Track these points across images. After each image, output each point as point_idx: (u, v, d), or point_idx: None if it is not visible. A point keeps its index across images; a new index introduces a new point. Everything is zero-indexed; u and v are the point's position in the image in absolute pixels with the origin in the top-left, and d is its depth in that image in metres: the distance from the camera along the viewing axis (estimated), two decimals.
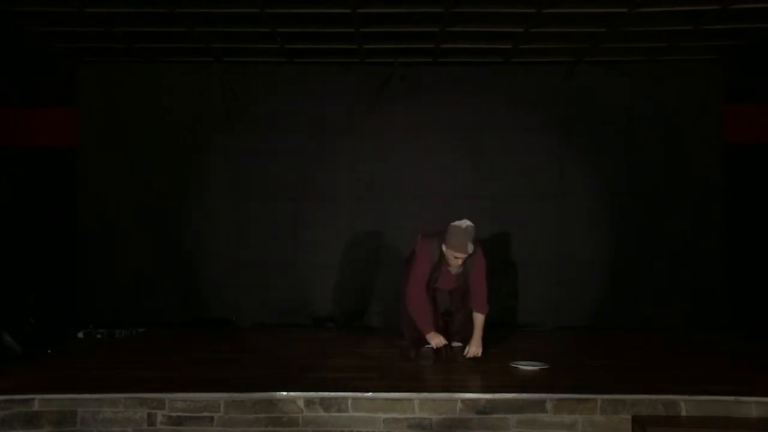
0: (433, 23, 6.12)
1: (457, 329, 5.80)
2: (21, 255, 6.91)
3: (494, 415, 4.48)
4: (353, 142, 7.22)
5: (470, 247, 5.37)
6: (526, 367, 5.29)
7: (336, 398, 4.51)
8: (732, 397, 4.47)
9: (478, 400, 4.51)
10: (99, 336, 6.61)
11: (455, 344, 5.70)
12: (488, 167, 7.18)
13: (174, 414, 4.48)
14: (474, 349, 5.54)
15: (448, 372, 5.24)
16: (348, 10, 5.82)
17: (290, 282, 7.21)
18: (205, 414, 4.48)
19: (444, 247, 5.46)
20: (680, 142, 7.14)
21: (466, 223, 5.39)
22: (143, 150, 7.21)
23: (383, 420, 4.49)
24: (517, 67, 7.19)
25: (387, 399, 4.52)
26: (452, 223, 5.42)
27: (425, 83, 7.21)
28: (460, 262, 5.48)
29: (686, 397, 4.47)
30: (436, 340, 5.53)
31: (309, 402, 4.51)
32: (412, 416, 4.49)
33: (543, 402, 4.49)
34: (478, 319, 5.60)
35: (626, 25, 6.14)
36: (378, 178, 7.23)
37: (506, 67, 7.20)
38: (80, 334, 6.59)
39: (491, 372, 5.22)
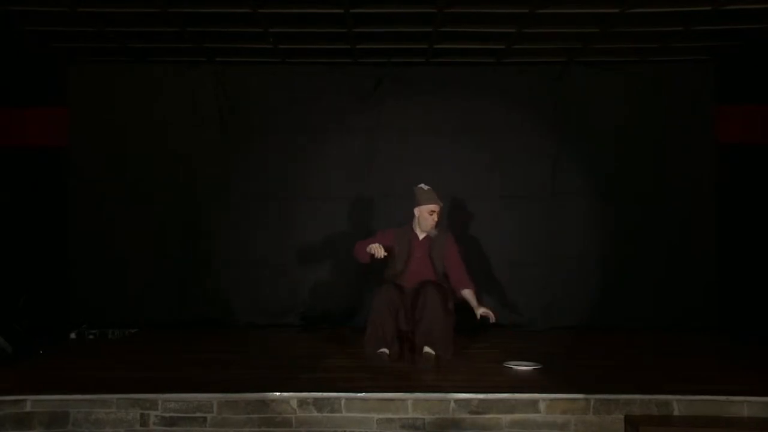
0: (426, 23, 6.12)
1: (423, 336, 5.41)
2: (13, 255, 6.88)
3: (487, 415, 4.49)
4: (346, 142, 7.22)
5: (440, 201, 5.68)
6: (519, 367, 5.30)
7: (329, 398, 4.51)
8: (724, 397, 4.48)
9: (470, 400, 4.51)
10: (91, 336, 6.61)
11: (426, 350, 5.44)
12: (481, 167, 7.19)
13: (167, 414, 4.47)
14: (484, 311, 5.47)
15: (441, 372, 5.24)
16: (341, 10, 5.82)
17: (283, 282, 7.21)
18: (198, 414, 4.47)
19: (417, 211, 5.71)
20: (672, 143, 7.16)
21: (426, 185, 5.72)
22: (135, 150, 7.19)
23: (376, 420, 4.49)
24: (510, 68, 7.20)
25: (380, 399, 4.52)
26: (415, 187, 5.74)
27: (418, 83, 7.22)
28: (436, 217, 5.66)
29: (678, 396, 4.49)
30: (375, 248, 5.42)
31: (302, 402, 4.50)
32: (405, 416, 4.49)
33: (536, 402, 4.50)
34: (469, 294, 5.61)
35: (619, 26, 6.15)
36: (371, 178, 7.23)
37: (499, 68, 7.21)
38: (73, 335, 6.58)
39: (484, 372, 5.22)
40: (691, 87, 7.15)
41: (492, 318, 5.50)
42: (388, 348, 5.41)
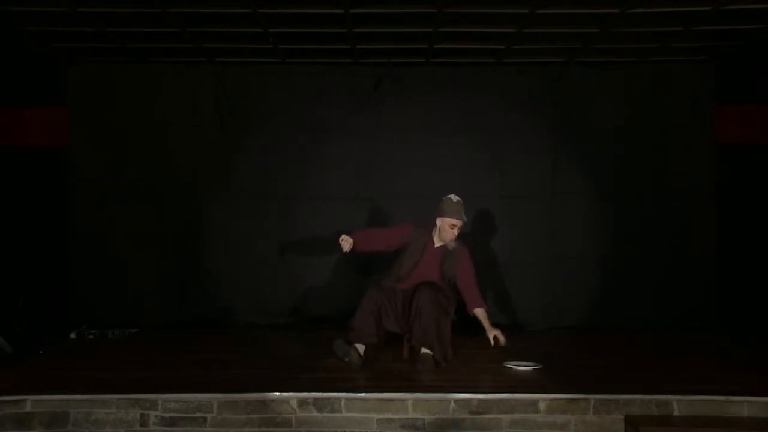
0: (426, 23, 6.12)
1: (419, 337, 5.38)
2: (13, 255, 6.88)
3: (487, 415, 4.49)
4: (346, 142, 7.22)
5: (464, 216, 5.57)
6: (519, 367, 5.30)
7: (329, 398, 4.52)
8: (724, 397, 4.49)
9: (470, 400, 4.52)
10: (91, 336, 6.61)
11: (424, 351, 5.38)
12: (481, 167, 7.19)
13: (167, 415, 4.48)
14: (495, 333, 5.49)
15: (441, 372, 5.24)
16: (341, 10, 5.81)
17: (283, 282, 7.21)
18: (198, 414, 4.48)
19: (439, 221, 5.61)
20: (672, 143, 7.15)
21: (456, 197, 5.60)
22: (135, 150, 7.18)
23: (376, 420, 4.49)
24: (510, 68, 7.20)
25: (380, 399, 4.52)
26: (444, 197, 5.62)
27: (418, 83, 7.21)
28: (456, 231, 5.59)
29: (678, 396, 4.50)
30: (343, 240, 5.53)
31: (302, 402, 4.51)
32: (405, 416, 4.49)
33: (536, 402, 4.51)
34: (481, 314, 5.60)
35: (618, 26, 6.15)
36: (371, 178, 7.23)
37: (499, 68, 7.20)
38: (72, 335, 6.58)
39: (484, 372, 5.23)
40: (691, 87, 7.15)
41: (501, 341, 5.50)
42: (365, 343, 5.42)
